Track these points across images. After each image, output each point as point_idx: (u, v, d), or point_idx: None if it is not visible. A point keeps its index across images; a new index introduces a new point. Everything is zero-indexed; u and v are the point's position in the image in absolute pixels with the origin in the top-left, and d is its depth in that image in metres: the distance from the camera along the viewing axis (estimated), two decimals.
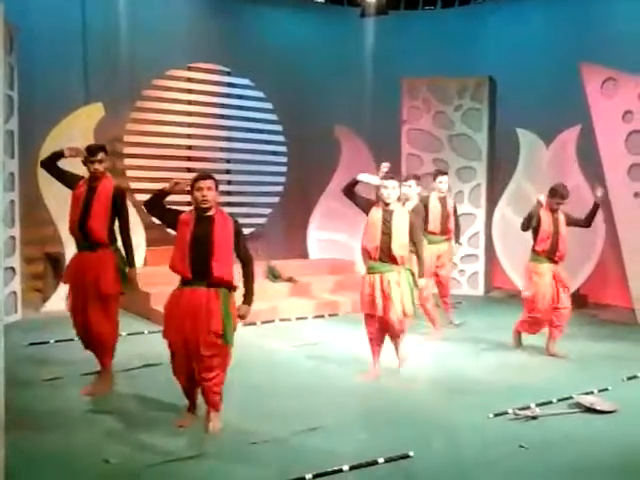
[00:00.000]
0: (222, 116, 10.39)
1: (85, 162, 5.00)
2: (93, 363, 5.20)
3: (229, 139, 10.50)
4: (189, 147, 10.15)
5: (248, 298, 4.37)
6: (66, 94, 8.76)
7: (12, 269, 7.48)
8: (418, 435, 4.30)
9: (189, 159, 10.08)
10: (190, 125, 10.07)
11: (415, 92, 10.20)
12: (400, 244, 5.26)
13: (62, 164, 5.11)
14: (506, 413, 4.65)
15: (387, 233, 5.25)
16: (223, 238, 4.19)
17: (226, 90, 10.40)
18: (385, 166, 5.68)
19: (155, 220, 4.59)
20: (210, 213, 4.22)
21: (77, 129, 8.00)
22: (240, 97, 10.49)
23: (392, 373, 5.62)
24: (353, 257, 9.73)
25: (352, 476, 3.70)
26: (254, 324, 7.35)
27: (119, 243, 5.09)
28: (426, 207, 7.08)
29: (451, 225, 7.38)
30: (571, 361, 6.18)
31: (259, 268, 8.23)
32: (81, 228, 4.97)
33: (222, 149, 10.54)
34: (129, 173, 9.33)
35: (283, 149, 10.82)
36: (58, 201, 7.13)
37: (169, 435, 4.20)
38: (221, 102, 10.32)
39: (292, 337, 7.00)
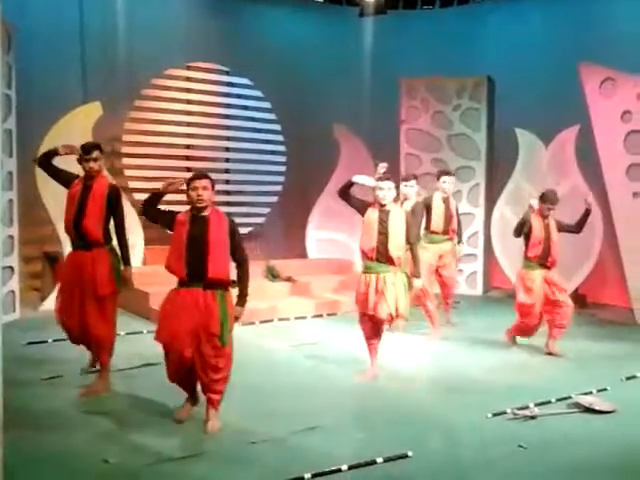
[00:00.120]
0: (221, 115, 10.39)
1: (80, 160, 4.98)
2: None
3: (228, 138, 10.51)
4: (188, 146, 10.15)
5: (242, 300, 4.34)
6: (64, 93, 8.75)
7: (11, 268, 7.47)
8: (417, 435, 4.30)
9: (188, 158, 10.09)
10: (189, 124, 10.07)
11: (414, 92, 10.20)
12: (397, 244, 5.25)
13: (58, 163, 5.08)
14: (505, 413, 4.65)
15: (384, 233, 5.24)
16: (219, 238, 4.17)
17: (225, 89, 10.41)
18: (382, 166, 5.67)
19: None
20: (206, 213, 4.20)
21: (75, 128, 7.97)
22: (239, 96, 10.49)
23: (390, 373, 5.62)
24: (352, 257, 9.71)
25: (351, 476, 3.69)
26: (253, 324, 7.36)
27: (114, 242, 5.07)
28: (429, 207, 7.07)
29: (454, 225, 7.36)
30: (570, 361, 6.19)
31: (258, 268, 8.23)
32: (76, 227, 4.94)
33: (221, 148, 10.53)
34: (128, 172, 9.34)
35: (282, 148, 10.82)
36: (56, 200, 7.09)
37: (168, 435, 4.20)
38: (220, 101, 10.32)
39: (291, 337, 7.00)
